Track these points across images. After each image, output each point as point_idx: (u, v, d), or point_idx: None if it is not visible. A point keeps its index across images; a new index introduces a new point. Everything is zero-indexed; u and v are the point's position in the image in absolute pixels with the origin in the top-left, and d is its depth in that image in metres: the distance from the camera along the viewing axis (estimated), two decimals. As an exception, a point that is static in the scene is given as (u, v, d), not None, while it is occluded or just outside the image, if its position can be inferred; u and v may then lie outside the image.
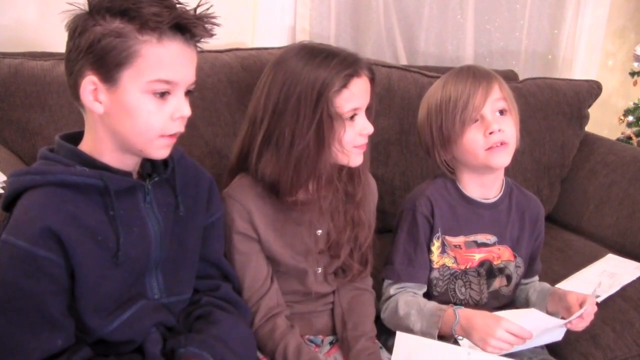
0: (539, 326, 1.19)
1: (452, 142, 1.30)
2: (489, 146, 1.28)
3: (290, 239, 1.25)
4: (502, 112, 1.29)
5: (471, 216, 1.37)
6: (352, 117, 1.17)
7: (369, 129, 1.19)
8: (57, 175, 0.95)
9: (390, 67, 1.81)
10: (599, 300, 1.47)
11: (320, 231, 1.27)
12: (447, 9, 2.18)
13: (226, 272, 1.19)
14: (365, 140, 1.20)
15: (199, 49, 1.01)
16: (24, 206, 0.94)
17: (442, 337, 1.23)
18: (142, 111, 0.94)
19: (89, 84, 0.93)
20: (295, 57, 1.17)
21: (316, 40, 1.94)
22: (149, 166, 1.08)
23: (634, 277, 1.57)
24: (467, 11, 2.20)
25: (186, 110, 0.98)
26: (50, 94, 1.39)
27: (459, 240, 1.35)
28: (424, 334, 1.24)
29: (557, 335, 1.30)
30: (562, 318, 1.27)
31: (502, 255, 1.38)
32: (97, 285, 0.96)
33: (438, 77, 1.81)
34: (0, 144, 1.36)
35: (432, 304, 1.28)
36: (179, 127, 0.99)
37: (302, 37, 1.98)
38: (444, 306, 1.25)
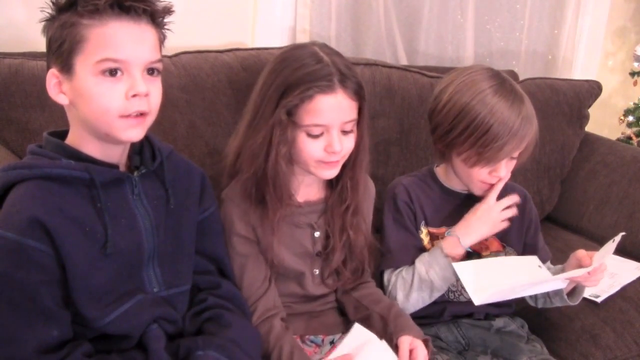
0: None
1: (461, 152, 1.29)
2: (486, 182, 1.32)
3: (289, 241, 1.25)
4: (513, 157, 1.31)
5: (451, 207, 1.39)
6: (317, 134, 1.14)
7: (335, 147, 1.14)
8: (43, 168, 0.97)
9: (390, 67, 1.81)
10: (599, 300, 1.48)
11: (318, 233, 1.28)
12: (447, 9, 2.18)
13: (224, 269, 1.19)
14: (332, 158, 1.16)
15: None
16: (11, 199, 0.95)
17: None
18: (95, 93, 0.95)
19: (52, 77, 0.97)
20: (288, 52, 1.18)
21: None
22: (138, 159, 1.09)
23: (634, 277, 1.57)
24: (467, 11, 2.20)
25: (140, 87, 0.96)
26: (50, 94, 1.39)
27: (442, 230, 1.37)
28: (440, 270, 1.28)
29: (560, 283, 1.28)
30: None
31: (490, 246, 1.39)
32: (89, 275, 0.96)
33: (438, 77, 1.83)
34: (1, 144, 1.36)
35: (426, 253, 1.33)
36: (140, 106, 0.97)
37: (302, 37, 1.98)
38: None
